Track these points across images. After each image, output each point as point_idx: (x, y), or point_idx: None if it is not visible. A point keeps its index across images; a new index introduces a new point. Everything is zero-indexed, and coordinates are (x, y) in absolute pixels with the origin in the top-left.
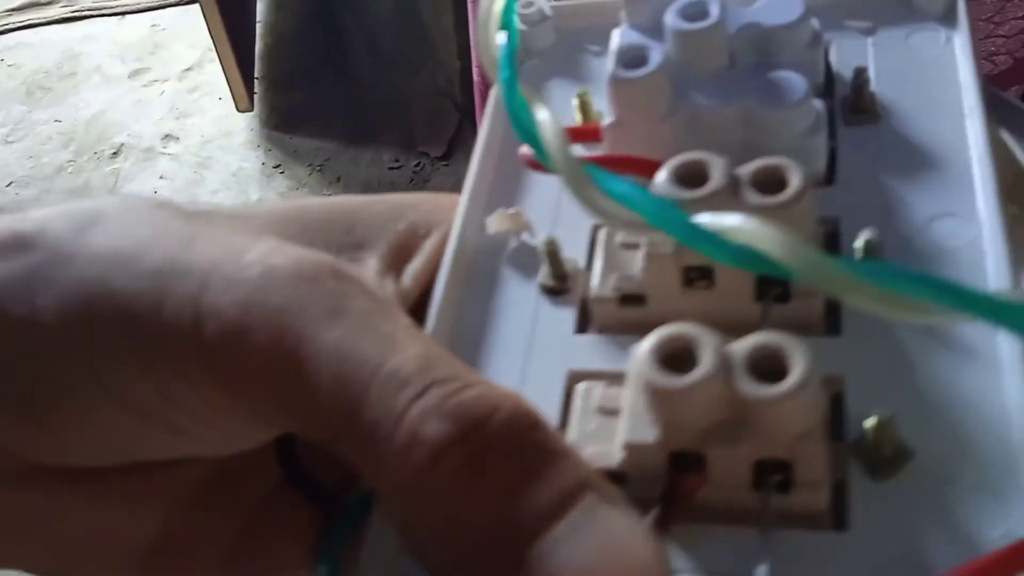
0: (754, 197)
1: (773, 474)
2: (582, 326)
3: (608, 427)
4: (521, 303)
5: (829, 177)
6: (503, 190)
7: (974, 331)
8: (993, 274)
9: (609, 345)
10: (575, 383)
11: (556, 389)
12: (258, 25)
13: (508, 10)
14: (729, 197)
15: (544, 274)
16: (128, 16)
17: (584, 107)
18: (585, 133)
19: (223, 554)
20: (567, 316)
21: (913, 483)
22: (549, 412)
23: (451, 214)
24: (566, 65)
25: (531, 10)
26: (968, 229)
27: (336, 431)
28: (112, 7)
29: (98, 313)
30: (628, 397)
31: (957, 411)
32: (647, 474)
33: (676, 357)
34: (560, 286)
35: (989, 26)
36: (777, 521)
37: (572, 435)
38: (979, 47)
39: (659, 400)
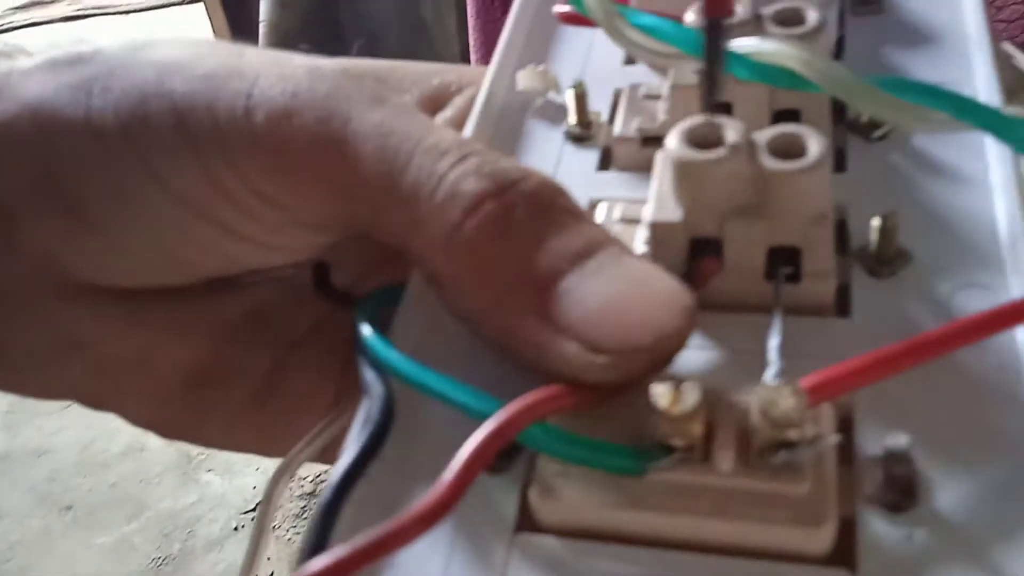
0: (776, 29)
1: (785, 264)
2: (604, 165)
3: (629, 233)
4: (546, 148)
5: (837, 56)
6: (534, 49)
7: (969, 160)
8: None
9: (630, 180)
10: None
11: None
12: (261, 24)
13: None
14: (753, 30)
15: (568, 123)
16: (132, 15)
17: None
18: None
19: (256, 388)
20: (590, 157)
21: (911, 280)
22: None
23: (483, 79)
24: None
25: None
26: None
27: (380, 201)
28: (116, 6)
29: (153, 111)
30: (655, 182)
31: (953, 224)
32: (668, 260)
33: (705, 141)
34: (584, 132)
35: (991, 11)
36: (787, 310)
37: None
38: None
39: (686, 176)
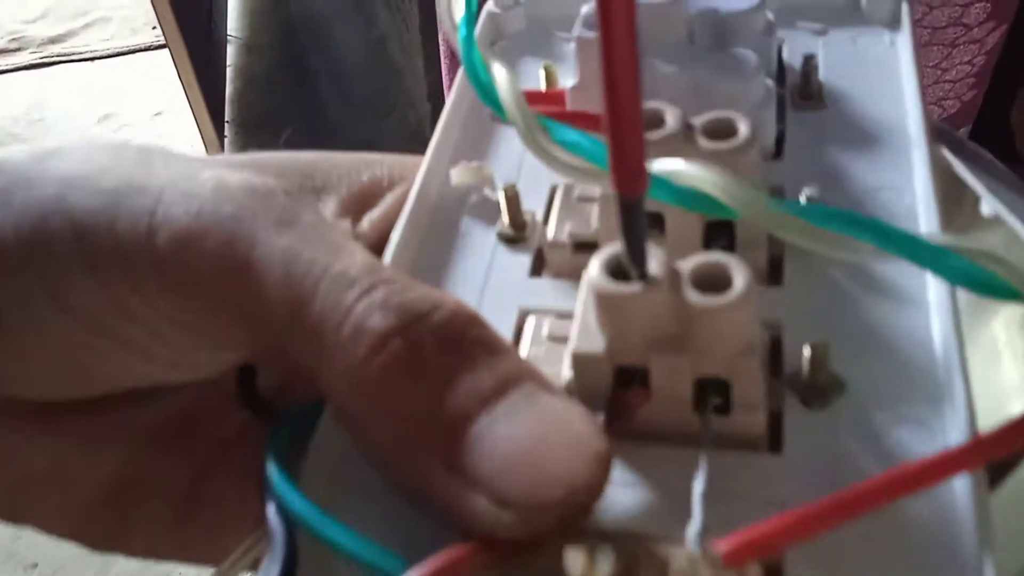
0: (706, 143)
1: (713, 395)
2: (536, 270)
3: (557, 352)
4: (478, 250)
5: (777, 153)
6: (469, 145)
7: (906, 277)
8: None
9: (561, 288)
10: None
11: (507, 325)
12: (228, 69)
13: None
14: (683, 142)
15: (502, 223)
16: (97, 61)
17: (549, 77)
18: (549, 98)
19: (179, 499)
20: (522, 261)
21: (845, 412)
22: None
23: (415, 171)
24: (535, 46)
25: None
26: (903, 200)
27: (285, 331)
28: (81, 53)
29: (54, 229)
30: (579, 311)
31: (888, 347)
32: (593, 389)
33: (626, 270)
34: (517, 234)
35: (937, 72)
36: (716, 443)
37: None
38: (927, 93)
39: (608, 308)
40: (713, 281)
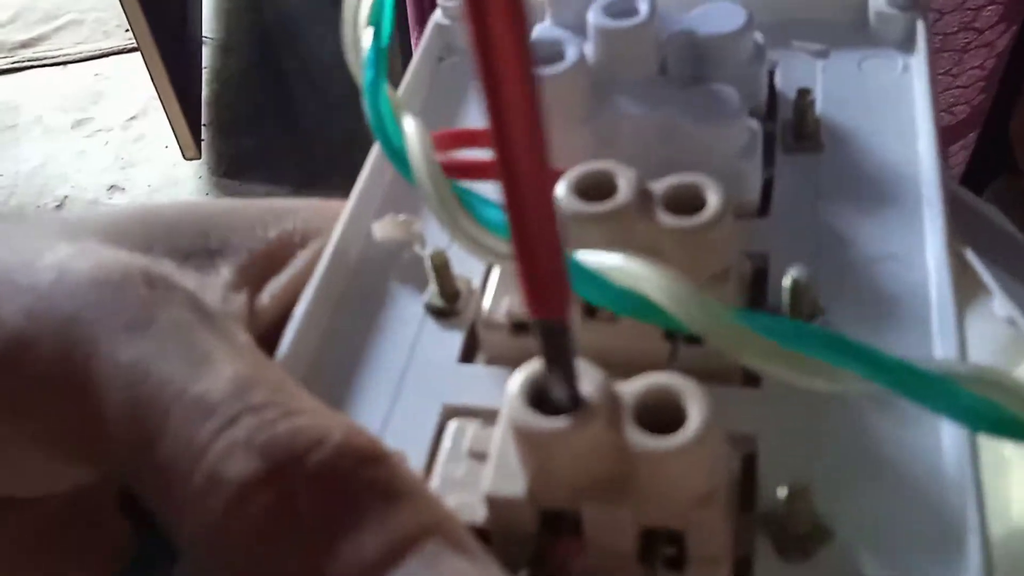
0: (666, 218)
1: (664, 546)
2: (468, 355)
3: (477, 473)
4: (403, 323)
5: (763, 208)
6: (398, 196)
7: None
8: (938, 327)
9: (495, 378)
10: (450, 419)
11: (428, 425)
12: (204, 71)
13: (379, 2)
14: (637, 215)
15: (431, 292)
16: (70, 65)
17: None
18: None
19: None
20: (453, 342)
21: (829, 565)
22: (416, 452)
23: (335, 224)
24: None
25: (455, 3)
26: (912, 274)
27: (128, 467)
28: (53, 57)
29: None
30: (496, 441)
31: (887, 483)
32: (515, 534)
33: (552, 397)
34: (448, 307)
35: (948, 79)
36: None
37: (435, 482)
38: (938, 100)
39: (529, 446)
40: (662, 413)
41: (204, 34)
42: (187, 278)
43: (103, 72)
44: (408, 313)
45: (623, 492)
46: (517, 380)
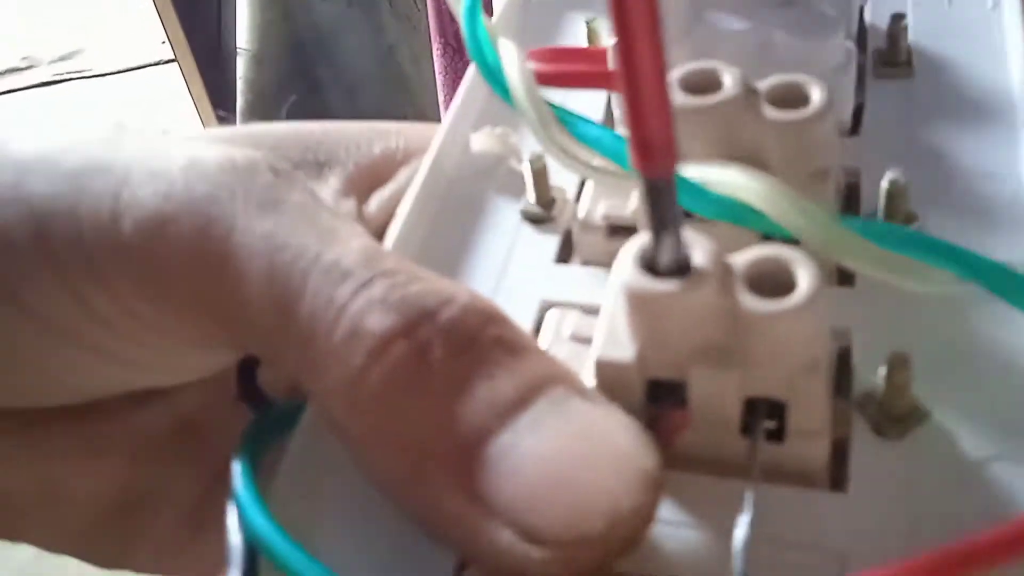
0: (772, 112)
1: (766, 418)
2: (564, 256)
3: (581, 355)
4: (500, 229)
5: (854, 128)
6: (496, 110)
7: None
8: None
9: (591, 278)
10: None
11: (527, 319)
12: (238, 81)
13: None
14: (743, 109)
15: (527, 200)
16: (109, 77)
17: (592, 36)
18: (591, 56)
19: (187, 512)
20: (549, 245)
21: (927, 444)
22: None
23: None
24: None
25: None
26: (1007, 187)
27: (271, 332)
28: (91, 70)
29: (11, 218)
30: (606, 310)
31: (984, 366)
32: (621, 405)
33: (666, 263)
34: (544, 214)
35: None
36: (766, 475)
37: None
38: None
39: (639, 309)
40: (773, 281)
41: (239, 45)
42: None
43: (139, 84)
44: (505, 220)
45: (732, 359)
46: (631, 246)
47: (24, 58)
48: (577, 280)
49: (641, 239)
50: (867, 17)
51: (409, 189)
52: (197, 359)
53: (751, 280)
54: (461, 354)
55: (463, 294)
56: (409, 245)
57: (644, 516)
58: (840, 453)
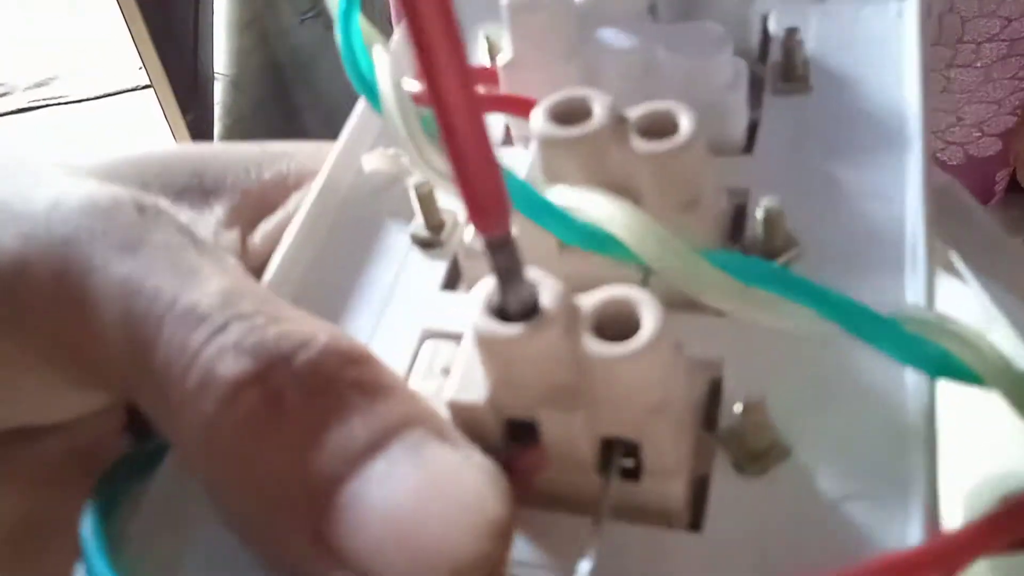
0: (639, 142)
1: (623, 456)
2: (451, 283)
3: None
4: (389, 253)
5: (748, 147)
6: (391, 133)
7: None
8: (910, 264)
9: None
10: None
11: (407, 348)
12: (216, 107)
13: None
14: (612, 140)
15: (417, 223)
16: (85, 103)
17: (492, 48)
18: (481, 75)
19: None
20: (437, 271)
21: (785, 483)
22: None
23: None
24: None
25: None
26: (890, 211)
27: (129, 377)
28: (67, 96)
29: None
30: (462, 353)
31: (847, 408)
32: (480, 444)
33: (515, 306)
34: (433, 238)
35: (1014, 83)
36: (624, 513)
37: None
38: (1006, 103)
39: (489, 353)
40: (619, 323)
41: (216, 70)
42: (180, 213)
43: (115, 111)
44: (395, 243)
45: (578, 399)
46: (480, 291)
47: None
48: (461, 307)
49: (490, 283)
50: (772, 29)
51: (297, 213)
52: (75, 398)
53: (598, 322)
54: (316, 399)
55: (323, 335)
56: (293, 272)
57: (490, 564)
58: (701, 491)
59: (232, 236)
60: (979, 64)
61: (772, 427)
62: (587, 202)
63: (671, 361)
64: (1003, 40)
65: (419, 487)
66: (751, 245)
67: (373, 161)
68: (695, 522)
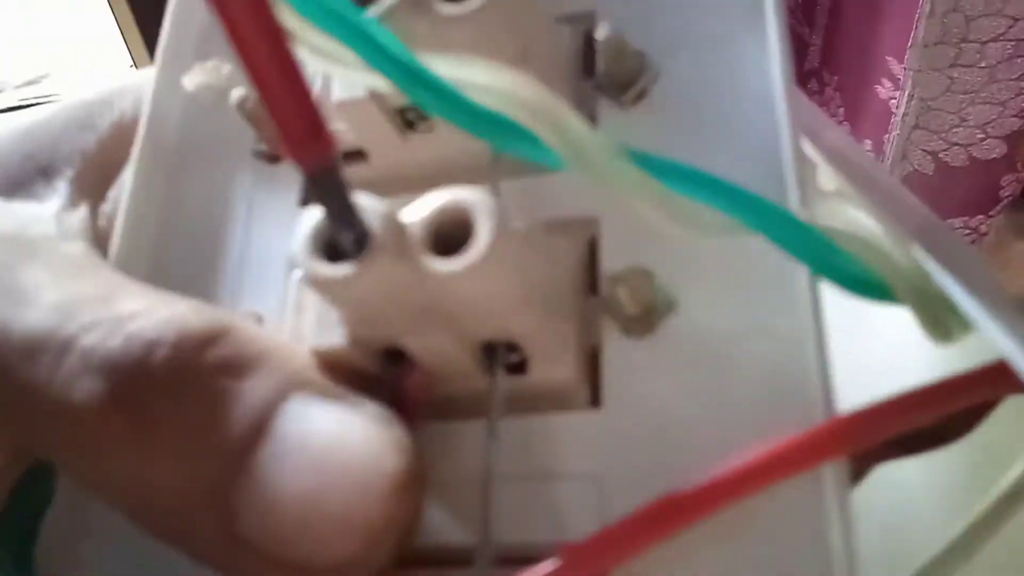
0: (442, 5)
1: (505, 353)
2: (308, 197)
3: (329, 317)
4: (237, 180)
5: None
6: (213, 46)
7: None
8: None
9: None
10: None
11: (280, 277)
12: None
13: None
14: (413, 12)
15: (255, 138)
16: None
17: None
18: None
19: None
20: (291, 188)
21: (676, 337)
22: (272, 308)
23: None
24: None
25: None
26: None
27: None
28: (58, 94)
29: None
30: (311, 293)
31: (730, 244)
32: (361, 383)
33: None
34: (275, 150)
35: (1020, 85)
36: (523, 406)
37: (287, 338)
38: (1009, 106)
39: (329, 294)
40: (458, 228)
41: None
42: (16, 211)
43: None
44: (240, 166)
45: (436, 316)
46: (302, 231)
47: None
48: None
49: (312, 218)
50: None
51: (132, 156)
52: None
53: (435, 235)
54: (184, 398)
55: (171, 325)
56: (142, 231)
57: (404, 521)
58: (593, 365)
59: (80, 215)
60: (983, 64)
61: (653, 284)
62: (491, 81)
63: (521, 255)
64: (1009, 40)
65: (311, 465)
66: (603, 80)
67: (195, 78)
68: (595, 398)
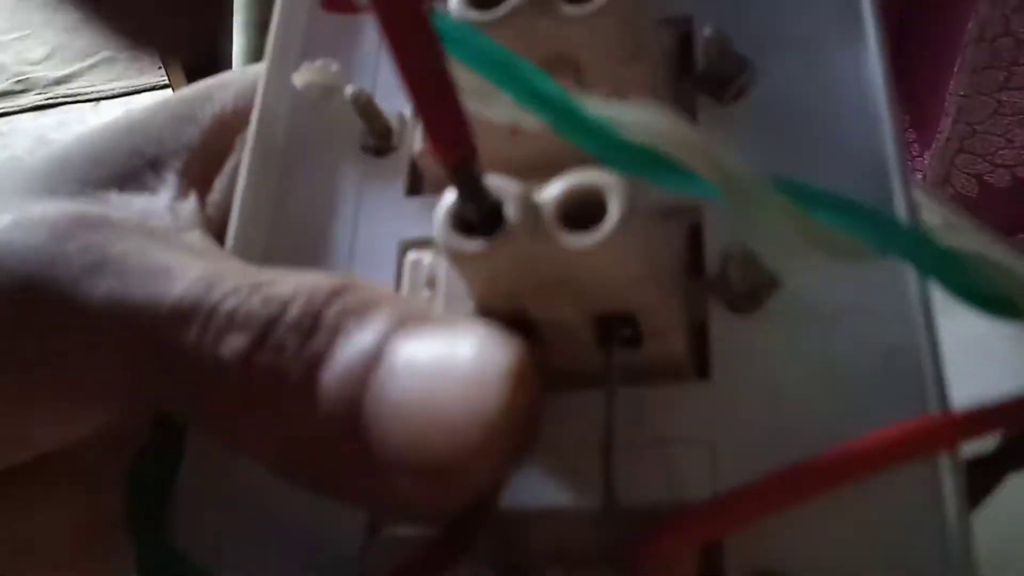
0: (568, 7)
1: (620, 327)
2: (414, 187)
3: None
4: (345, 169)
5: None
6: (318, 44)
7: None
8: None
9: None
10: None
11: (389, 264)
12: None
13: None
14: (536, 12)
15: (363, 132)
16: (102, 102)
17: None
18: None
19: None
20: (397, 177)
21: (781, 313)
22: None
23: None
24: None
25: None
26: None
27: (143, 389)
28: (86, 94)
29: None
30: (441, 267)
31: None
32: None
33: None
34: (383, 144)
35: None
36: (634, 377)
37: None
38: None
39: (462, 267)
40: (587, 210)
41: (233, 69)
42: (132, 203)
43: (136, 109)
44: (348, 159)
45: (563, 288)
46: (442, 207)
47: (19, 81)
48: (430, 211)
49: (452, 197)
50: None
51: (242, 158)
52: (86, 417)
53: (565, 212)
54: (310, 339)
55: (306, 282)
56: (257, 219)
57: (524, 414)
58: (701, 339)
59: (190, 206)
60: None
61: (757, 265)
62: (638, 118)
63: (646, 232)
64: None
65: (426, 370)
66: (704, 78)
67: (304, 76)
68: (703, 369)
